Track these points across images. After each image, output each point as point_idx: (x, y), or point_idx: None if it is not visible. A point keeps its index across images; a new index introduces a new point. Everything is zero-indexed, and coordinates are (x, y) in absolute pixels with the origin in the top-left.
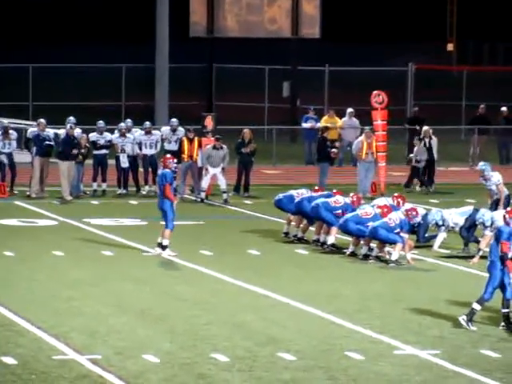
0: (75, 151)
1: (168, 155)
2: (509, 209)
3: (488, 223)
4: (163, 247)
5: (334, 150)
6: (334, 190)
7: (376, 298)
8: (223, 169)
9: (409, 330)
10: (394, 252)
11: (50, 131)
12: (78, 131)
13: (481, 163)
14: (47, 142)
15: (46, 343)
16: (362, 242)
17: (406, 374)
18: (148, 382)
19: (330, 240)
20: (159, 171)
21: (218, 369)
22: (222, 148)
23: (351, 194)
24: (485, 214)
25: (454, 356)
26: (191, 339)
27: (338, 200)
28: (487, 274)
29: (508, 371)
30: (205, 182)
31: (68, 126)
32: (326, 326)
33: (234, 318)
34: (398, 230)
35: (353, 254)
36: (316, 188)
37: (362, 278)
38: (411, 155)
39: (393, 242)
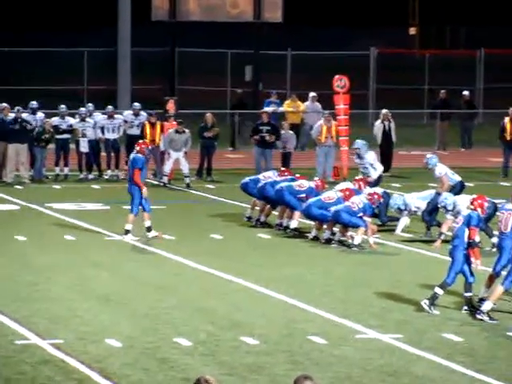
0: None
1: (141, 141)
2: (475, 196)
3: (450, 207)
4: (126, 231)
5: (256, 137)
6: (298, 175)
7: (338, 282)
8: (185, 153)
9: (371, 313)
10: (357, 236)
11: (11, 115)
12: (40, 116)
13: (428, 155)
14: (10, 127)
15: (8, 328)
16: (324, 227)
17: (369, 357)
18: (110, 366)
19: (293, 224)
20: (131, 155)
21: (180, 353)
22: (184, 132)
23: (315, 179)
24: (447, 198)
25: (416, 340)
26: (154, 324)
27: (302, 184)
28: (449, 258)
29: (470, 355)
30: (167, 167)
31: (16, 109)
32: (288, 310)
33: (197, 302)
34: (361, 214)
35: (315, 239)
36: (282, 169)
37: (325, 263)
38: (278, 142)
39: (355, 226)
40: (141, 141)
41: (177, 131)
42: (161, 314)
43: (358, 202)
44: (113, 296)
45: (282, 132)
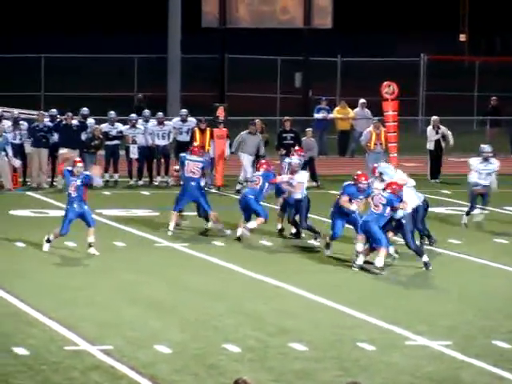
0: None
1: (78, 159)
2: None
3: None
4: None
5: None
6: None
7: (386, 289)
8: (263, 157)
9: (420, 320)
10: (252, 222)
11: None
12: (91, 122)
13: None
14: (42, 133)
15: (58, 334)
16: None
17: (417, 364)
18: (160, 372)
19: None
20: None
21: (229, 359)
22: (256, 134)
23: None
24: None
25: (465, 347)
26: (202, 330)
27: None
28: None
29: None
30: (243, 174)
31: (66, 114)
32: (337, 316)
33: (245, 308)
34: (267, 183)
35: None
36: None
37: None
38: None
39: (256, 213)
40: (78, 158)
41: (250, 133)
42: (209, 320)
43: (257, 175)
44: (161, 302)
45: (304, 139)
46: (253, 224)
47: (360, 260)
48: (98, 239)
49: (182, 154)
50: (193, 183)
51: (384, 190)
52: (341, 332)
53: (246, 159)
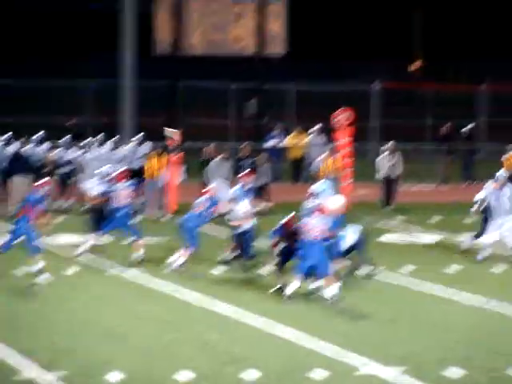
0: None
1: (44, 181)
2: None
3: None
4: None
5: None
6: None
7: (340, 315)
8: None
9: (373, 347)
10: (179, 258)
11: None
12: (43, 148)
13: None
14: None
15: (8, 363)
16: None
17: None
18: None
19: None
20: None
21: None
22: (228, 159)
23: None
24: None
25: (419, 373)
26: (155, 358)
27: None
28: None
29: None
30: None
31: (20, 141)
32: (290, 344)
33: (198, 336)
34: (213, 208)
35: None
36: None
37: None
38: None
39: (190, 242)
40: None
41: (223, 158)
42: (162, 349)
43: (203, 201)
44: (115, 330)
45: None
46: (180, 260)
47: (291, 287)
48: (49, 266)
49: (106, 186)
50: (123, 211)
51: (314, 214)
52: (294, 360)
53: (220, 184)
